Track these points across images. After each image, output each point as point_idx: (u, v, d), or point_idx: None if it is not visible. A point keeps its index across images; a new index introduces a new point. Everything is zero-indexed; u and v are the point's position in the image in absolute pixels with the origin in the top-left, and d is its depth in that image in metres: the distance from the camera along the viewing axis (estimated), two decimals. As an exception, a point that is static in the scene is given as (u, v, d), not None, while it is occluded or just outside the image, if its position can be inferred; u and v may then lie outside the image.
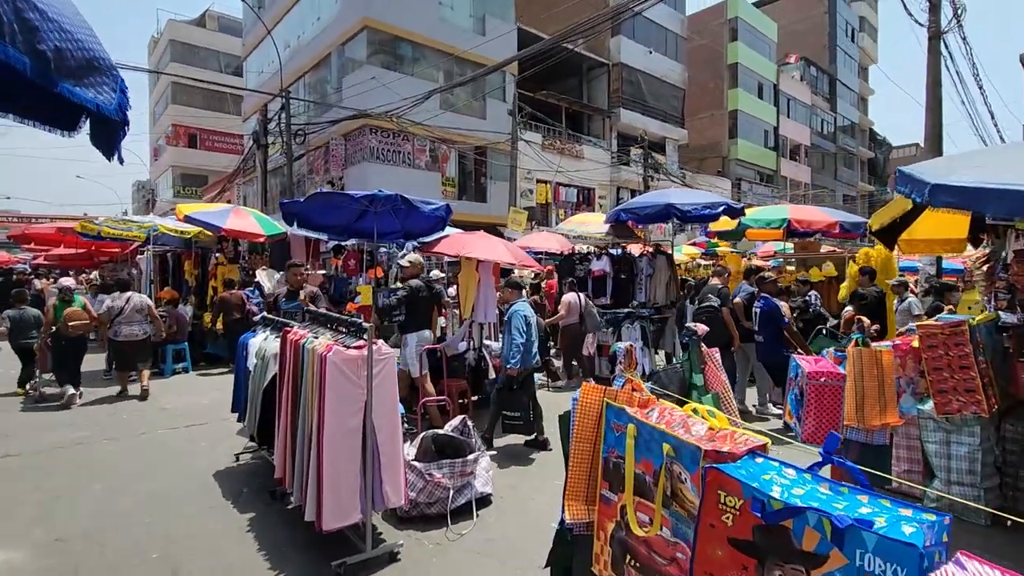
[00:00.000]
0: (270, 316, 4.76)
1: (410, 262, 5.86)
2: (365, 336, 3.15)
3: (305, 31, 22.10)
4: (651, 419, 2.03)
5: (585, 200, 25.06)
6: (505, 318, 5.16)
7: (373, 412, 3.12)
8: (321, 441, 3.01)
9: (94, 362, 8.77)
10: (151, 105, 41.38)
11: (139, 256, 11.45)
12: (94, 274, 15.71)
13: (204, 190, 31.71)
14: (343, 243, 10.75)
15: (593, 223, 9.79)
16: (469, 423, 4.11)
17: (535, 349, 5.14)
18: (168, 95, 36.12)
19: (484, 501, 3.91)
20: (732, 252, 11.17)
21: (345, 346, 3.13)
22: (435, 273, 8.38)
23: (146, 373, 7.41)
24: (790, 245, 12.83)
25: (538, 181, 22.59)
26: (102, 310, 7.38)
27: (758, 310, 6.34)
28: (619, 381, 2.26)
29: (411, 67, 19.46)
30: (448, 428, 4.06)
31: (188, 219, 9.32)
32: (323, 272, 10.67)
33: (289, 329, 3.75)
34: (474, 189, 21.29)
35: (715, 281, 5.80)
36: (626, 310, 8.20)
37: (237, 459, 4.82)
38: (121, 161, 2.41)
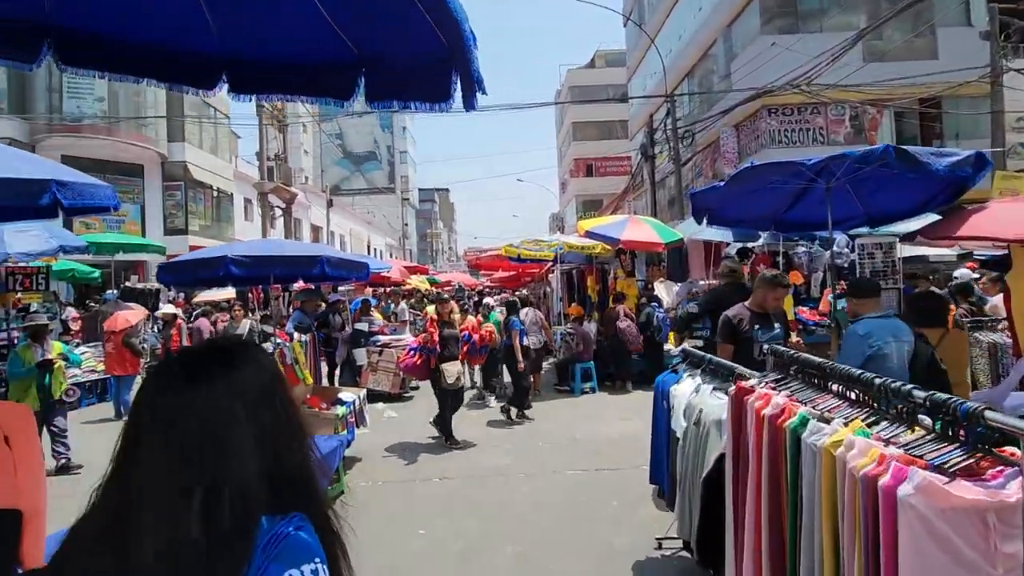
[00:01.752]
0: (694, 351, 3.32)
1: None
2: (985, 446, 1.23)
3: (686, 29, 21.10)
4: None
5: None
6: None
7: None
8: None
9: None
10: (558, 144, 48.69)
11: (550, 275, 12.37)
12: (523, 291, 18.60)
13: (599, 212, 34.69)
14: (749, 245, 8.72)
15: None
16: None
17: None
18: (570, 135, 41.55)
19: None
20: None
21: (936, 469, 1.28)
22: (962, 272, 5.44)
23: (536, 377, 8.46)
24: None
25: (1038, 127, 14.97)
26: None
27: None
28: None
29: (818, 21, 15.82)
30: None
31: (588, 234, 9.24)
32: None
33: (746, 387, 2.16)
34: (922, 158, 15.62)
35: None
36: None
37: (660, 545, 3.53)
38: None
